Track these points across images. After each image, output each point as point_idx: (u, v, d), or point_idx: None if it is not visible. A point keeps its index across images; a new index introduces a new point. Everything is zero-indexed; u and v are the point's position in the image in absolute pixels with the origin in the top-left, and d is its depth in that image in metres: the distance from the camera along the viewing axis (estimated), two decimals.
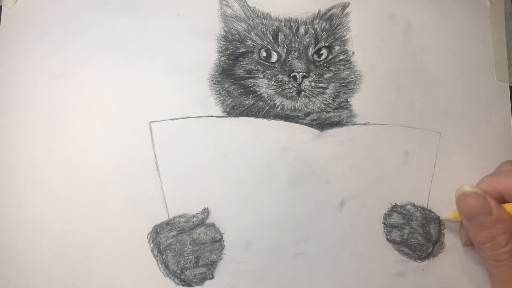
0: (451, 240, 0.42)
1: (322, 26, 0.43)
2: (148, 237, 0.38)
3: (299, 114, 0.41)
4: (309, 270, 0.40)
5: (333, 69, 0.42)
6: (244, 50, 0.42)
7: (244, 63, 0.41)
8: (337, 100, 0.42)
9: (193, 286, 0.39)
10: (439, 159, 0.43)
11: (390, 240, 0.41)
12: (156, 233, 0.39)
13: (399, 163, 0.42)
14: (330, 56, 0.42)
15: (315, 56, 0.42)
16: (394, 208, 0.41)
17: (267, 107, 0.41)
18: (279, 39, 0.42)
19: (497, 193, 0.36)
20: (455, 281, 0.41)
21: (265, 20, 0.42)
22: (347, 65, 0.43)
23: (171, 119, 0.40)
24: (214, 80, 0.41)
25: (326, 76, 0.42)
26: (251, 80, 0.41)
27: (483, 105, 0.44)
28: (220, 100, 0.41)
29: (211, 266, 0.39)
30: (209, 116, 0.40)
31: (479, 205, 0.35)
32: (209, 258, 0.39)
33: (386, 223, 0.41)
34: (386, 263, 0.41)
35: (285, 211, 0.40)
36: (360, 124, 0.42)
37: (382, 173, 0.42)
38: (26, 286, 0.37)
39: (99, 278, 0.38)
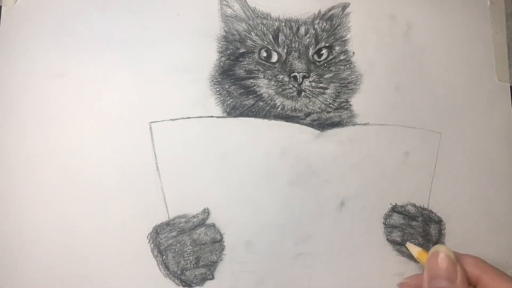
0: (451, 240, 0.42)
1: (323, 26, 0.43)
2: (148, 238, 0.38)
3: (300, 115, 0.41)
4: (309, 271, 0.40)
5: (334, 69, 0.42)
6: (244, 50, 0.42)
7: (245, 63, 0.41)
8: (337, 100, 0.42)
9: (193, 286, 0.39)
10: (439, 159, 0.43)
11: (391, 241, 0.41)
12: (156, 233, 0.38)
13: (399, 163, 0.42)
14: (331, 56, 0.42)
15: (316, 56, 0.42)
16: (394, 209, 0.41)
17: (268, 107, 0.41)
18: (279, 39, 0.42)
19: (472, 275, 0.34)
20: None
21: (266, 20, 0.42)
22: (348, 65, 0.43)
23: (171, 120, 0.40)
24: (215, 80, 0.41)
25: (326, 76, 0.42)
26: (251, 80, 0.41)
27: (483, 105, 0.44)
28: (220, 101, 0.41)
29: (211, 266, 0.39)
30: (209, 117, 0.40)
31: (447, 268, 0.33)
32: (209, 258, 0.39)
33: (386, 223, 0.41)
34: (386, 264, 0.41)
35: (285, 211, 0.40)
36: (360, 124, 0.42)
37: (383, 173, 0.42)
38: (26, 286, 0.37)
39: (99, 278, 0.38)
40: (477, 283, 0.34)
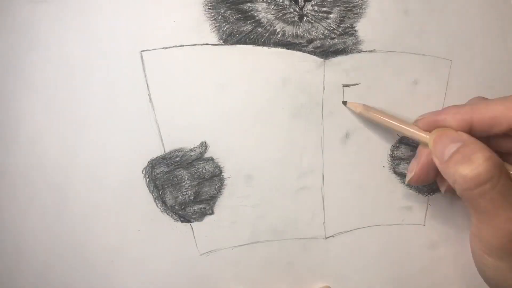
0: None
1: None
2: (144, 172, 0.37)
3: (301, 41, 0.39)
4: (312, 205, 0.39)
5: None
6: None
7: None
8: (341, 25, 0.39)
9: (193, 222, 0.37)
10: (449, 87, 0.40)
11: (398, 173, 0.39)
12: (151, 167, 0.37)
13: (407, 92, 0.40)
14: None
15: None
16: (402, 140, 0.39)
17: (267, 34, 0.38)
18: None
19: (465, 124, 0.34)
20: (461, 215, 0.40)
21: None
22: None
23: (163, 48, 0.37)
24: (209, 4, 0.38)
25: None
26: (248, 4, 0.38)
27: (497, 30, 0.41)
28: (215, 27, 0.38)
29: (211, 201, 0.37)
30: (204, 44, 0.37)
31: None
32: (208, 193, 0.37)
33: (393, 155, 0.39)
34: (394, 197, 0.39)
35: (287, 144, 0.38)
36: (366, 51, 0.39)
37: (390, 103, 0.39)
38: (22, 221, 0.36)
39: (94, 215, 0.36)
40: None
